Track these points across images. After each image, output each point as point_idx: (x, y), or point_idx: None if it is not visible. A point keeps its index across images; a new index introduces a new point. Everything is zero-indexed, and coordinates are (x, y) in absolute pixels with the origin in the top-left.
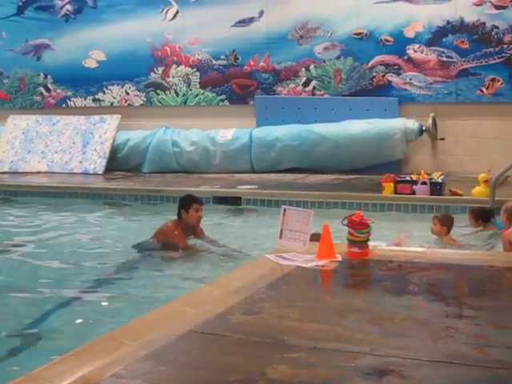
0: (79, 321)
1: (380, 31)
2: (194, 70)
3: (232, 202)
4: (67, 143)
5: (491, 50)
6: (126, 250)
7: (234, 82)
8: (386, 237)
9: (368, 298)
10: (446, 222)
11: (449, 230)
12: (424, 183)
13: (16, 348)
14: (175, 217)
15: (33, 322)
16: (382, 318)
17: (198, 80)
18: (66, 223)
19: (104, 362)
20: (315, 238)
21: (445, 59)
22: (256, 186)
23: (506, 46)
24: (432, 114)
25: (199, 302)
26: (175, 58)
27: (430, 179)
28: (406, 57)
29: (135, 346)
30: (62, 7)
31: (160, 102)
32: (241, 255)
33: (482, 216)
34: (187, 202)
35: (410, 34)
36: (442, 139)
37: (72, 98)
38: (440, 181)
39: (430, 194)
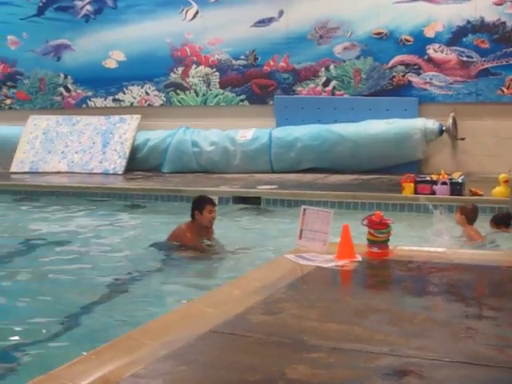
0: (97, 321)
1: (400, 31)
2: (214, 70)
3: (252, 202)
4: (87, 143)
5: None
6: (145, 251)
7: (254, 82)
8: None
9: (388, 299)
10: (466, 211)
11: (471, 221)
12: (444, 183)
13: (38, 348)
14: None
15: (47, 322)
16: (401, 318)
17: (218, 80)
18: (85, 223)
19: (124, 362)
20: None
21: (465, 59)
22: (276, 186)
23: None
24: (452, 114)
25: (219, 302)
26: (195, 59)
27: (450, 179)
28: (426, 56)
29: (155, 345)
30: (81, 8)
31: (180, 102)
32: (252, 255)
33: (503, 221)
34: (201, 203)
35: (430, 33)
36: (463, 139)
37: (92, 99)
38: (460, 181)
39: (450, 194)
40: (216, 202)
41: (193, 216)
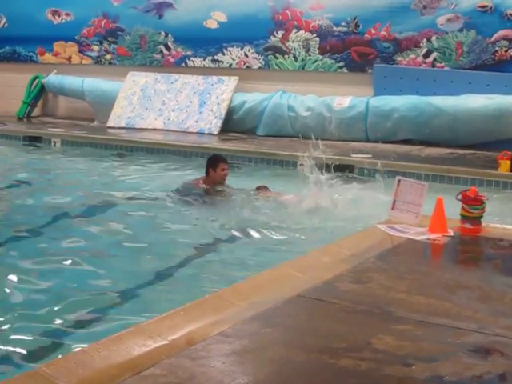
0: (188, 278)
1: (505, 5)
2: (314, 35)
3: (345, 170)
4: (184, 102)
5: None
6: (236, 210)
7: (354, 49)
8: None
9: (478, 276)
10: None
11: None
12: None
13: (123, 302)
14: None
15: (141, 273)
16: (491, 296)
17: (318, 46)
18: (178, 181)
19: (211, 320)
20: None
21: None
22: (370, 156)
23: None
24: None
25: (308, 267)
26: (295, 23)
27: None
28: None
29: (243, 306)
30: None
31: (278, 66)
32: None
33: None
34: (215, 161)
35: None
36: None
37: (191, 58)
38: None
39: None
40: None
41: (207, 172)
